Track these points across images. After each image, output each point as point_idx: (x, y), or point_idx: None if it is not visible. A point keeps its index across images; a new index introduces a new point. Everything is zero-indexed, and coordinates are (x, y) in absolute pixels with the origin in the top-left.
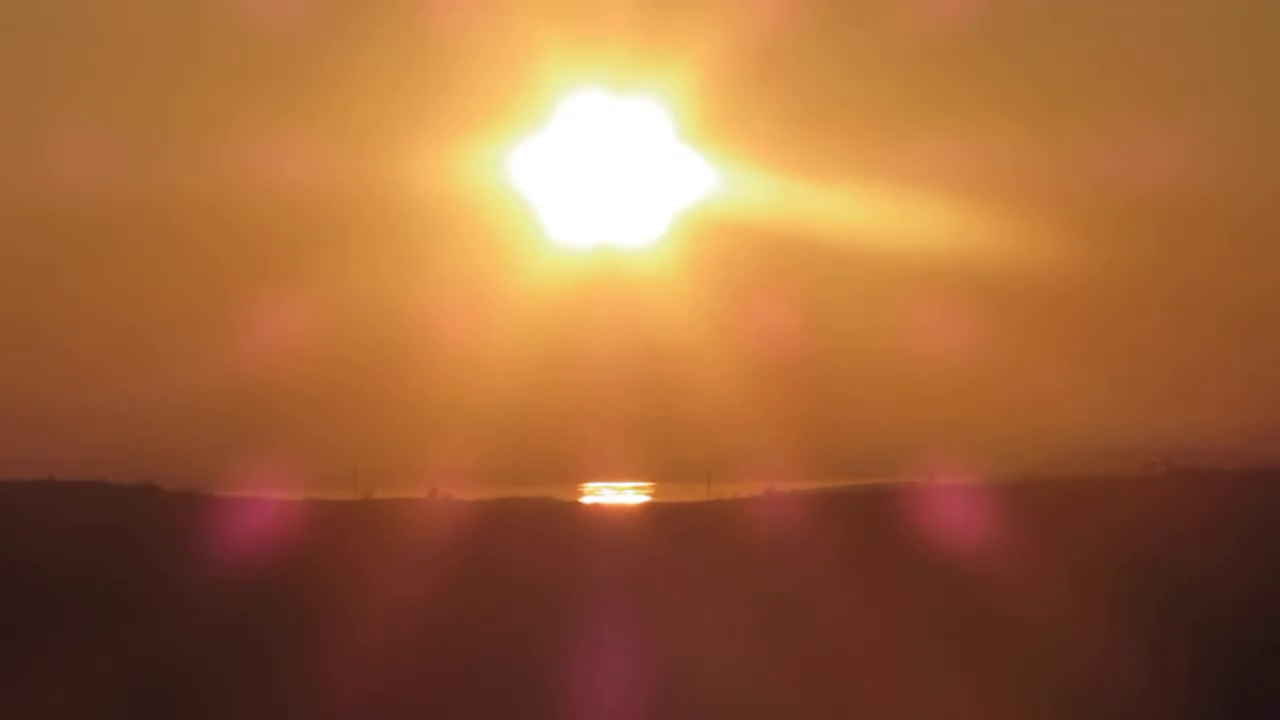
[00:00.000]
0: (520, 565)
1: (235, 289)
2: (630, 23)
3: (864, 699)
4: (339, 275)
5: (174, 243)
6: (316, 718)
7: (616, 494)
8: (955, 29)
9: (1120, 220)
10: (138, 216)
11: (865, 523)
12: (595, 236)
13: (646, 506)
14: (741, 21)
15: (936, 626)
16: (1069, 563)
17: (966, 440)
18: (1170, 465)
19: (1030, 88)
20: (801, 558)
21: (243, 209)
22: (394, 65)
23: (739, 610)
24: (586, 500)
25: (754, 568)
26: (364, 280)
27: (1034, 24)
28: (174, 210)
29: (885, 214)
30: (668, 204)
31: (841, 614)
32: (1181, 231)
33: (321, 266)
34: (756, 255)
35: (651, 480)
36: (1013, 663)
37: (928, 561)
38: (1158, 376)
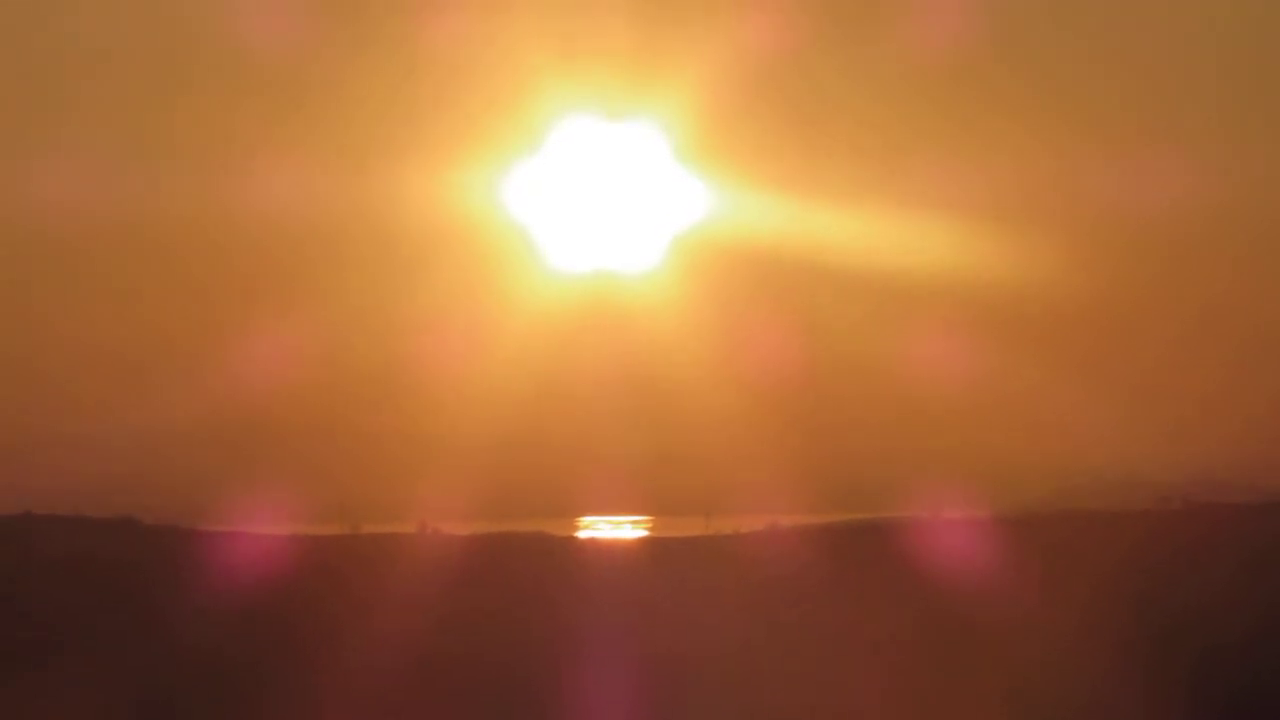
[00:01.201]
0: (513, 603)
1: (223, 315)
2: (627, 44)
3: None
4: (328, 302)
5: (159, 267)
6: None
7: (613, 528)
8: (959, 49)
9: (1130, 243)
10: (123, 239)
11: (870, 558)
12: (592, 262)
13: (644, 541)
14: (740, 41)
15: (941, 662)
16: (1075, 598)
17: (973, 471)
18: (1186, 501)
19: (1036, 107)
20: (805, 595)
21: (232, 233)
22: (386, 87)
23: (740, 649)
24: (582, 535)
25: (755, 606)
26: (354, 307)
27: (1041, 44)
28: (160, 234)
29: (892, 237)
30: (666, 228)
31: (846, 651)
32: (1192, 254)
33: (310, 293)
34: (758, 280)
35: (649, 514)
36: (1019, 699)
37: (933, 596)
38: (1168, 403)
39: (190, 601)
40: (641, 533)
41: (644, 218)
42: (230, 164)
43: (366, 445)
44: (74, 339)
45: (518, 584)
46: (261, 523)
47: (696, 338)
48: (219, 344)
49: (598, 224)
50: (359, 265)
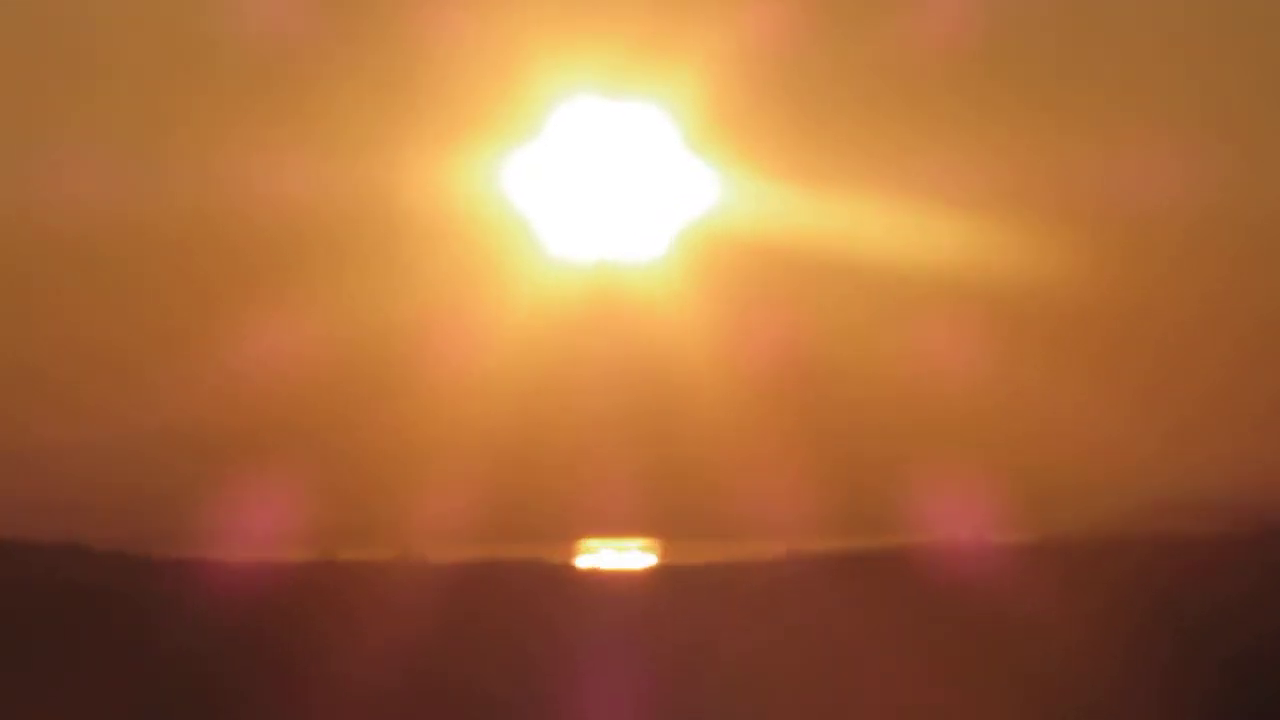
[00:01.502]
0: (505, 641)
1: (201, 313)
2: (633, 23)
3: None
4: (313, 299)
5: (141, 262)
6: None
7: (617, 552)
8: (979, 38)
9: (1147, 238)
10: (109, 234)
11: (898, 588)
12: (595, 252)
13: (653, 569)
14: (753, 22)
15: (976, 701)
16: (1117, 631)
17: (996, 484)
18: (1261, 523)
19: (1058, 98)
20: (830, 627)
21: (214, 225)
22: (379, 71)
23: (759, 690)
24: (583, 560)
25: (775, 640)
26: (342, 303)
27: (1055, 35)
28: (146, 228)
29: (909, 231)
30: (673, 217)
31: (875, 689)
32: (1203, 250)
33: (294, 289)
34: (770, 273)
35: (656, 535)
36: None
37: (968, 629)
38: (1182, 405)
39: (133, 644)
40: (649, 557)
41: (650, 206)
42: (222, 154)
43: (345, 457)
44: (53, 335)
45: (511, 617)
46: (223, 548)
47: (705, 333)
48: (190, 345)
49: (601, 213)
50: (347, 258)
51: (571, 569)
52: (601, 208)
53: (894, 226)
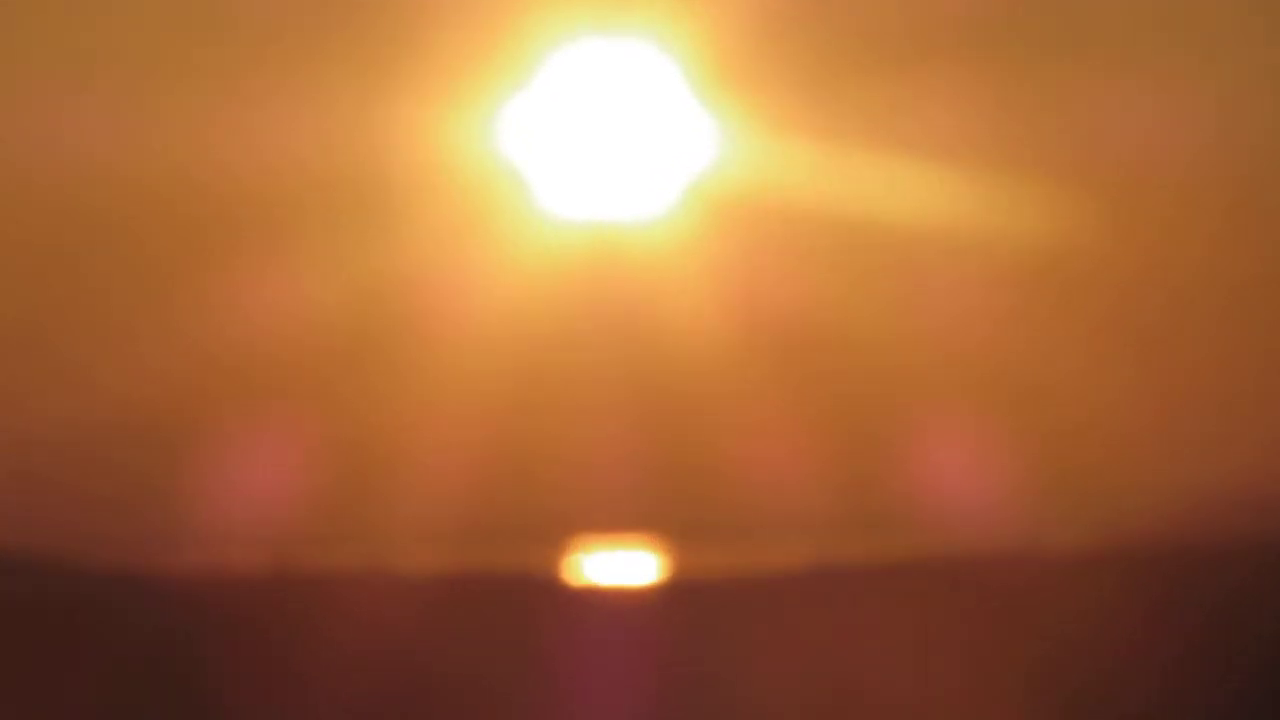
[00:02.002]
0: (482, 655)
1: (167, 279)
2: None
3: None
4: (299, 256)
5: (97, 224)
6: None
7: (618, 561)
8: None
9: (1173, 194)
10: (77, 191)
11: (949, 601)
12: (595, 208)
13: (658, 579)
14: None
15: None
16: (1192, 646)
17: (1070, 486)
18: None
19: (1066, 52)
20: (866, 647)
21: (188, 185)
22: (370, 17)
23: (776, 715)
24: (579, 566)
25: (804, 662)
26: (321, 267)
27: None
28: (115, 185)
29: (932, 186)
30: (679, 171)
31: (915, 716)
32: (1228, 207)
33: (280, 246)
34: (780, 231)
35: (661, 538)
36: None
37: (1029, 655)
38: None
39: (63, 665)
40: (654, 566)
41: (653, 160)
42: (201, 106)
43: (309, 444)
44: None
45: (494, 634)
46: (171, 553)
47: (711, 293)
48: (150, 317)
49: (601, 167)
50: (334, 215)
51: (567, 576)
52: (601, 161)
53: (911, 184)
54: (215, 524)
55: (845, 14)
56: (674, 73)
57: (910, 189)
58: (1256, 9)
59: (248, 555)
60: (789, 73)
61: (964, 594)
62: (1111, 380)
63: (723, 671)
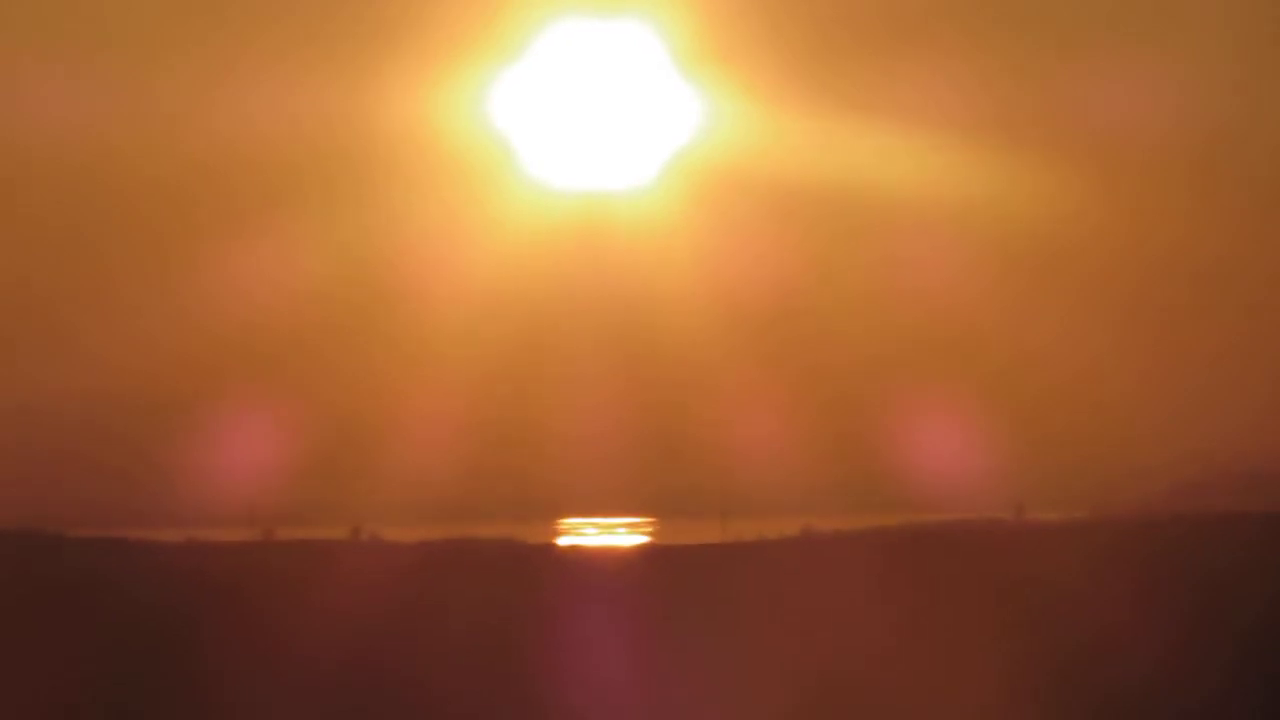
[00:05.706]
0: (470, 627)
1: (166, 252)
2: None
3: None
4: (294, 228)
5: (92, 201)
6: None
7: (603, 533)
8: None
9: (1148, 165)
10: (75, 167)
11: (935, 573)
12: (582, 179)
13: (643, 549)
14: None
15: (1023, 701)
16: (1180, 617)
17: (1054, 455)
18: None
19: (1047, 24)
20: (853, 620)
21: (187, 158)
22: None
23: (765, 688)
24: (563, 541)
25: (787, 633)
26: (316, 237)
27: None
28: (113, 161)
29: (908, 160)
30: (664, 143)
31: (903, 689)
32: (1199, 177)
33: (275, 218)
34: (763, 200)
35: (649, 515)
36: None
37: (1011, 622)
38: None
39: (66, 626)
40: (640, 538)
41: (639, 132)
42: (196, 82)
43: (297, 420)
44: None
45: (475, 601)
46: (154, 527)
47: (695, 262)
48: (147, 290)
49: (589, 139)
50: (329, 186)
51: (553, 549)
52: (589, 134)
53: (893, 158)
54: (209, 492)
55: None
56: (660, 48)
57: (892, 162)
58: None
59: (240, 523)
60: (773, 49)
61: (949, 561)
62: (1093, 349)
63: (708, 637)
